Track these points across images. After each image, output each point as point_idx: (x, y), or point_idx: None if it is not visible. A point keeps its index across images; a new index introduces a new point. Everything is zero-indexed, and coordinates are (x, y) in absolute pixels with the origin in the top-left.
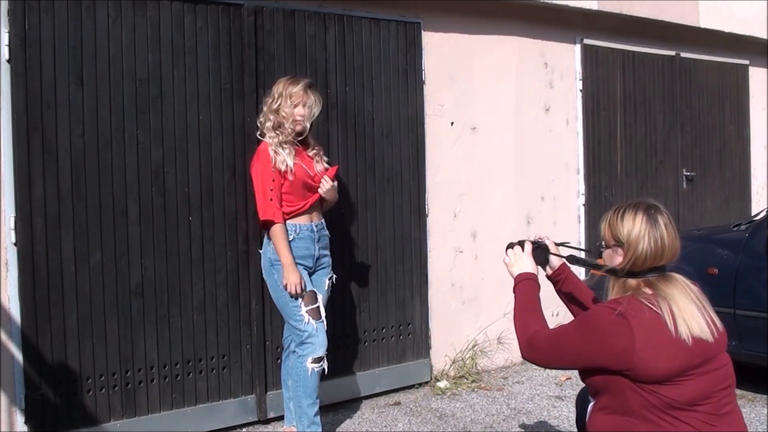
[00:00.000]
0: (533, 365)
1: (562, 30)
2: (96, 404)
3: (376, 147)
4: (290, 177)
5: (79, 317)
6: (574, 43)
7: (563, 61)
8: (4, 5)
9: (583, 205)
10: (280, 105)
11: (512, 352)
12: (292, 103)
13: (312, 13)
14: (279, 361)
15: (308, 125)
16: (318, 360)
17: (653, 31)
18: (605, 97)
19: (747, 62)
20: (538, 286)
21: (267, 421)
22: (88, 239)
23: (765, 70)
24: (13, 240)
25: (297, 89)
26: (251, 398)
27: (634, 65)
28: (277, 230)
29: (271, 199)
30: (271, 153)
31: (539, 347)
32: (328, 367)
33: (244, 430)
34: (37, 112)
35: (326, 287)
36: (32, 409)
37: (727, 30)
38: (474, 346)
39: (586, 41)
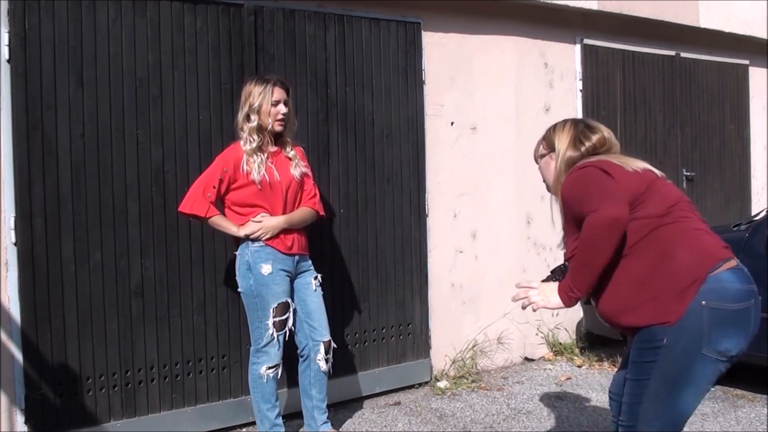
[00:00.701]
0: (532, 366)
1: (562, 30)
2: (96, 404)
3: (376, 147)
4: (258, 186)
5: (79, 317)
6: (574, 43)
7: (563, 61)
8: (4, 5)
9: None
10: (261, 103)
11: (512, 352)
12: (274, 101)
13: (312, 13)
14: None
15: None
16: (272, 367)
17: (653, 31)
18: (605, 97)
19: (747, 62)
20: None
21: None
22: (88, 239)
23: (765, 70)
24: (13, 240)
25: (275, 87)
26: (251, 398)
27: (634, 65)
28: (215, 220)
29: (208, 195)
30: (245, 157)
31: (604, 206)
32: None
33: (243, 430)
34: (37, 112)
35: (314, 287)
36: (32, 409)
37: (727, 30)
38: (474, 346)
39: (586, 41)
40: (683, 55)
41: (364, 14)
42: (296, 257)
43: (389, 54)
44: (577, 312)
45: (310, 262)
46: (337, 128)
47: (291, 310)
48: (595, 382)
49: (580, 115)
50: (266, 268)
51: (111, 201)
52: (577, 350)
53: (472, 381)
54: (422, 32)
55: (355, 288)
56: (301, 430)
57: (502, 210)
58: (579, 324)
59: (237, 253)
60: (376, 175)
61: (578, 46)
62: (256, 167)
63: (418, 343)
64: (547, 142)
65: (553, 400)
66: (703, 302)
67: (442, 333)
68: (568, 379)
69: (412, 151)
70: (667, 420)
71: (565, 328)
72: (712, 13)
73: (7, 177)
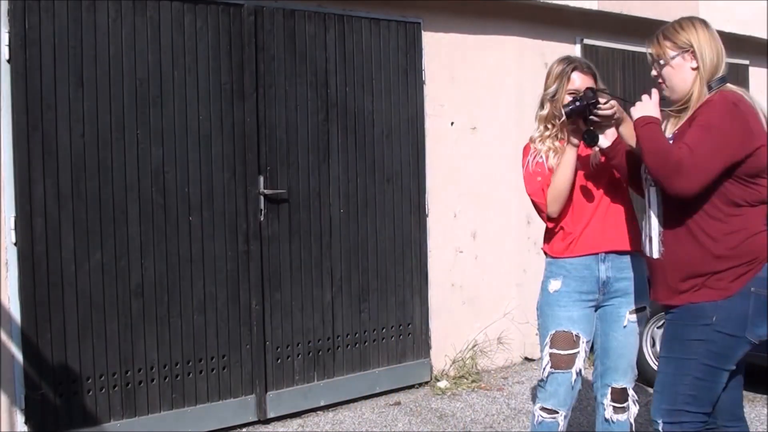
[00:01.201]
0: (532, 366)
1: (562, 30)
2: (96, 404)
3: (376, 147)
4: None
5: (79, 317)
6: (574, 43)
7: None
8: (4, 5)
9: None
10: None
11: (512, 351)
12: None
13: (312, 13)
14: (279, 360)
15: None
16: (548, 411)
17: (653, 31)
18: None
19: (747, 62)
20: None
21: (267, 421)
22: (88, 239)
23: (765, 70)
24: (13, 240)
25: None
26: (251, 398)
27: (634, 65)
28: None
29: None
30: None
31: (687, 169)
32: (328, 367)
33: (244, 430)
34: (37, 112)
35: (625, 323)
36: (32, 409)
37: (727, 30)
38: (474, 346)
39: (586, 41)
40: None
41: (364, 14)
42: (601, 275)
43: (389, 54)
44: None
45: (631, 284)
46: (337, 128)
47: (582, 346)
48: None
49: None
50: (555, 284)
51: (111, 201)
52: None
53: (472, 381)
54: (422, 32)
55: (355, 288)
56: None
57: (502, 210)
58: None
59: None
60: (376, 175)
61: (578, 46)
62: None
63: (418, 343)
64: (675, 40)
65: None
66: (753, 288)
67: (442, 333)
68: None
69: (412, 151)
70: (707, 401)
71: None
72: (712, 13)
73: (7, 177)
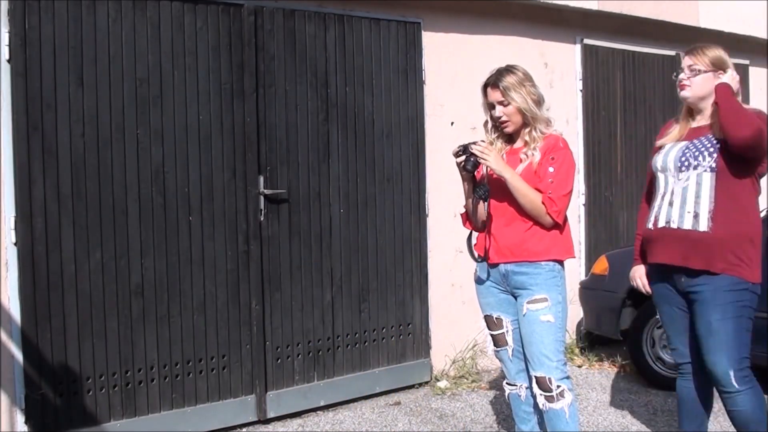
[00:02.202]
0: None
1: (562, 30)
2: (96, 404)
3: (376, 147)
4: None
5: (79, 317)
6: (574, 43)
7: (563, 61)
8: (4, 5)
9: (583, 204)
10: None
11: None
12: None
13: (312, 13)
14: (279, 360)
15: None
16: (510, 384)
17: (653, 31)
18: (605, 97)
19: (747, 62)
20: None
21: (267, 421)
22: (88, 239)
23: (765, 70)
24: (13, 240)
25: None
26: (251, 398)
27: (634, 65)
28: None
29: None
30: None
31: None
32: (328, 367)
33: (244, 430)
34: (37, 112)
35: (524, 311)
36: (32, 409)
37: (727, 30)
38: (474, 346)
39: (586, 41)
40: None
41: (364, 14)
42: (502, 270)
43: (389, 54)
44: (577, 312)
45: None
46: (337, 128)
47: (507, 325)
48: (595, 382)
49: (580, 116)
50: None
51: (111, 201)
52: (577, 350)
53: (472, 381)
54: (422, 32)
55: (355, 288)
56: None
57: None
58: (579, 324)
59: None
60: (376, 175)
61: (578, 46)
62: None
63: (418, 343)
64: (715, 61)
65: None
66: None
67: (442, 333)
68: None
69: (412, 151)
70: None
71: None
72: (712, 13)
73: (7, 177)
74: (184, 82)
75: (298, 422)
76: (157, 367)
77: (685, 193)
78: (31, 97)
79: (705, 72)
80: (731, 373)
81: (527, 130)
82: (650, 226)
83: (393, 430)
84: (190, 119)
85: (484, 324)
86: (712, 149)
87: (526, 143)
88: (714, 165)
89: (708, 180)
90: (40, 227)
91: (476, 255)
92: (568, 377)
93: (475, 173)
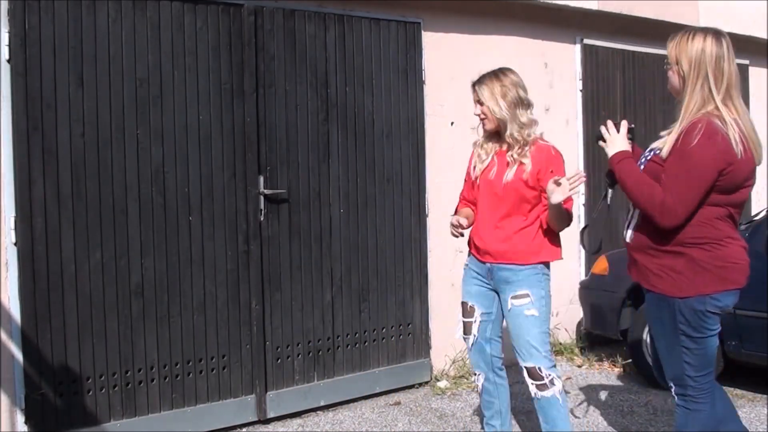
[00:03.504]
0: None
1: (562, 30)
2: (96, 404)
3: (376, 147)
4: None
5: (79, 317)
6: (574, 43)
7: (563, 61)
8: (4, 5)
9: (583, 204)
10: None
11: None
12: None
13: (312, 13)
14: (279, 360)
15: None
16: (475, 373)
17: (653, 31)
18: (605, 97)
19: (747, 62)
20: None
21: (267, 421)
22: (88, 239)
23: (765, 70)
24: (13, 240)
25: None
26: (251, 398)
27: (634, 65)
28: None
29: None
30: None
31: (672, 208)
32: (329, 367)
33: (244, 430)
34: (37, 112)
35: (509, 306)
36: (32, 409)
37: (727, 30)
38: None
39: (586, 41)
40: None
41: (364, 14)
42: (488, 266)
43: (389, 54)
44: (577, 312)
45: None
46: (337, 128)
47: (477, 316)
48: (595, 382)
49: (580, 116)
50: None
51: (111, 201)
52: (577, 350)
53: (473, 381)
54: (422, 32)
55: (355, 288)
56: None
57: None
58: (579, 324)
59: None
60: (376, 175)
61: (578, 46)
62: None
63: (418, 343)
64: (670, 57)
65: None
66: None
67: (442, 333)
68: (568, 379)
69: (412, 151)
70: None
71: (565, 328)
72: (712, 13)
73: (7, 177)
74: (184, 82)
75: (298, 422)
76: (157, 367)
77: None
78: (31, 97)
79: (668, 67)
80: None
81: (504, 131)
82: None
83: (393, 430)
84: (190, 119)
85: (460, 309)
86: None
87: (508, 145)
88: None
89: None
90: (40, 227)
91: (587, 245)
92: (555, 366)
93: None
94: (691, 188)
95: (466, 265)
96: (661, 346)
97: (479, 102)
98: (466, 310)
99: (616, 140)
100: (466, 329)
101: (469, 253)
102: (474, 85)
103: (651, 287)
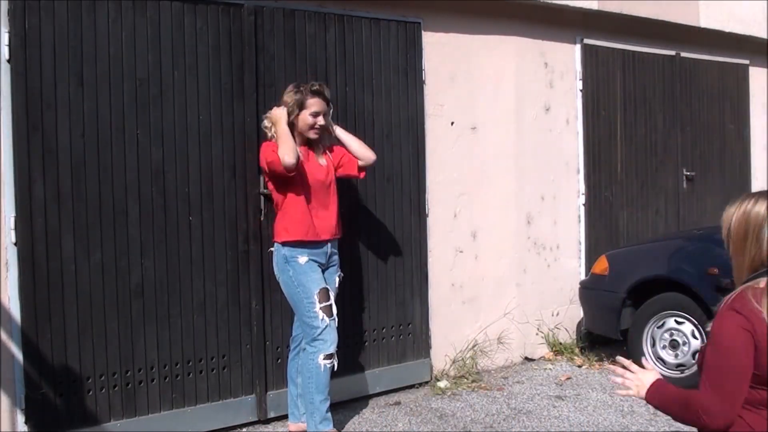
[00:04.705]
0: (532, 365)
1: (562, 30)
2: (96, 404)
3: (376, 147)
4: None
5: (79, 317)
6: (574, 43)
7: (563, 61)
8: (4, 5)
9: (583, 204)
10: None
11: (512, 351)
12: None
13: (312, 13)
14: (279, 360)
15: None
16: (329, 356)
17: (653, 31)
18: (605, 97)
19: (747, 62)
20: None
21: (267, 421)
22: (88, 239)
23: (765, 70)
24: (13, 240)
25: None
26: (251, 398)
27: (634, 65)
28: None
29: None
30: None
31: (713, 408)
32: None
33: (244, 430)
34: (37, 112)
35: (336, 284)
36: (32, 408)
37: (727, 30)
38: (474, 345)
39: (586, 41)
40: (683, 55)
41: (364, 14)
42: (328, 245)
43: (389, 54)
44: (577, 312)
45: (338, 257)
46: None
47: (332, 297)
48: (595, 381)
49: (580, 116)
50: (302, 259)
51: (111, 201)
52: (577, 350)
53: (472, 381)
54: (422, 32)
55: (355, 288)
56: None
57: (502, 210)
58: (579, 324)
59: (273, 249)
60: (376, 175)
61: (578, 46)
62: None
63: (418, 343)
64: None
65: (553, 400)
66: None
67: (442, 333)
68: (568, 378)
69: (412, 151)
70: None
71: (565, 328)
72: (712, 12)
73: (7, 177)
74: (184, 82)
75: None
76: (157, 367)
77: None
78: (31, 97)
79: None
80: None
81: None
82: None
83: (393, 430)
84: (190, 119)
85: (317, 299)
86: None
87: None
88: None
89: None
90: (40, 227)
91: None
92: None
93: None
94: None
95: (306, 260)
96: None
97: (324, 114)
98: (327, 294)
99: (645, 376)
100: (329, 312)
101: (306, 243)
102: (326, 96)
103: None
